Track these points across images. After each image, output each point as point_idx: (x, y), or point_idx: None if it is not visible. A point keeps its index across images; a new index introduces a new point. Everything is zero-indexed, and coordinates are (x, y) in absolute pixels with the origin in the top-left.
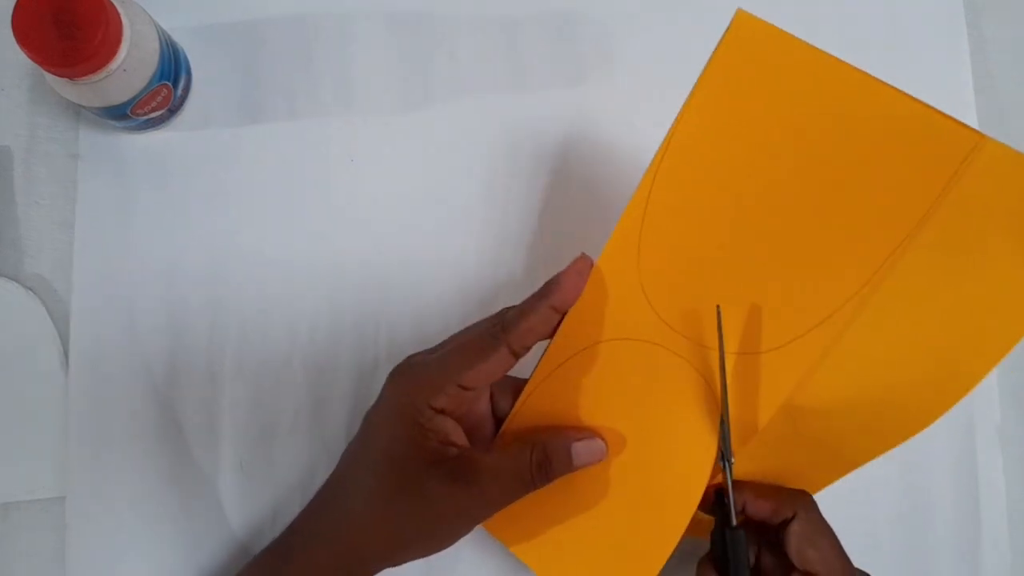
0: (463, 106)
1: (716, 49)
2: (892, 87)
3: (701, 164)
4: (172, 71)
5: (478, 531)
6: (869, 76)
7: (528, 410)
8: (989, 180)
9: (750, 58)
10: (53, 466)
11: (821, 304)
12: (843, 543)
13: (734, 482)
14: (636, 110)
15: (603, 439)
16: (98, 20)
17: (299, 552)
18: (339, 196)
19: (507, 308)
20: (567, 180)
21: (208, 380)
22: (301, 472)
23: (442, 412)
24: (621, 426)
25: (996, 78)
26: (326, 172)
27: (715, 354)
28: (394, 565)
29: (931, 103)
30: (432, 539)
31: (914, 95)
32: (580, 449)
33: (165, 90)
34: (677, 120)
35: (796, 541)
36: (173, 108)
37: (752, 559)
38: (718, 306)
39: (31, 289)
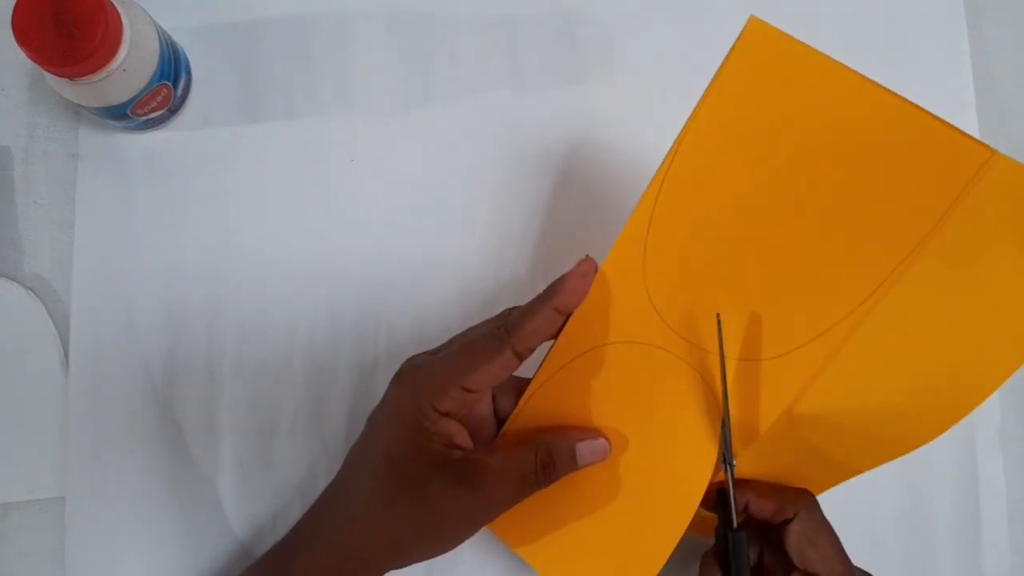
0: (463, 106)
1: (728, 55)
2: (904, 99)
3: (710, 170)
4: (172, 71)
5: (479, 531)
6: (881, 87)
7: (530, 411)
8: (998, 195)
9: (762, 66)
10: (53, 466)
11: (826, 313)
12: (844, 542)
13: (738, 480)
14: (636, 110)
15: (607, 439)
16: (98, 20)
17: (302, 554)
18: (339, 196)
19: (510, 309)
20: (567, 180)
21: (208, 380)
22: (301, 471)
23: (446, 415)
24: (624, 427)
25: (996, 78)
26: (326, 172)
27: (718, 358)
28: (398, 567)
29: (931, 103)
30: (436, 542)
31: (916, 97)
32: (584, 449)
33: (165, 90)
34: (687, 125)
35: (797, 540)
36: (173, 108)
37: (754, 558)
38: (718, 314)
39: (30, 289)
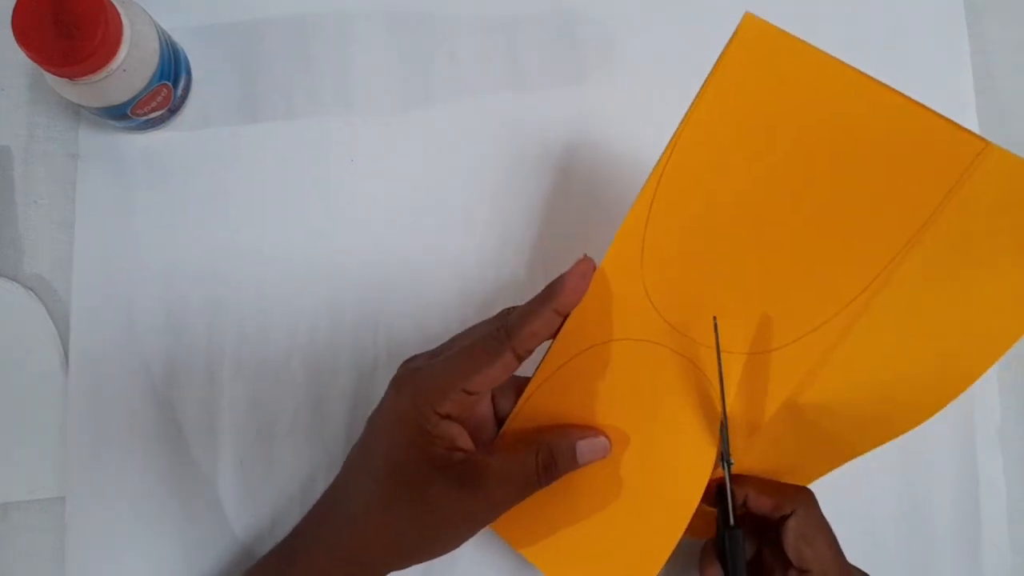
0: (463, 106)
1: (723, 52)
2: (898, 92)
3: (706, 166)
4: (172, 71)
5: (480, 532)
6: (875, 81)
7: (530, 410)
8: (993, 186)
9: (757, 61)
10: (53, 466)
11: (824, 305)
12: (843, 542)
13: (737, 476)
14: (636, 110)
15: (607, 437)
16: (98, 20)
17: (302, 557)
18: (339, 196)
19: (508, 309)
20: (567, 180)
21: (207, 380)
22: (300, 472)
23: (447, 417)
24: (624, 425)
25: (996, 78)
26: (326, 172)
27: (715, 353)
28: (398, 569)
29: (931, 103)
30: (437, 543)
31: (916, 96)
32: (585, 447)
33: (165, 90)
34: (683, 122)
35: (793, 538)
36: (173, 108)
37: (752, 552)
38: (715, 317)
39: (31, 289)
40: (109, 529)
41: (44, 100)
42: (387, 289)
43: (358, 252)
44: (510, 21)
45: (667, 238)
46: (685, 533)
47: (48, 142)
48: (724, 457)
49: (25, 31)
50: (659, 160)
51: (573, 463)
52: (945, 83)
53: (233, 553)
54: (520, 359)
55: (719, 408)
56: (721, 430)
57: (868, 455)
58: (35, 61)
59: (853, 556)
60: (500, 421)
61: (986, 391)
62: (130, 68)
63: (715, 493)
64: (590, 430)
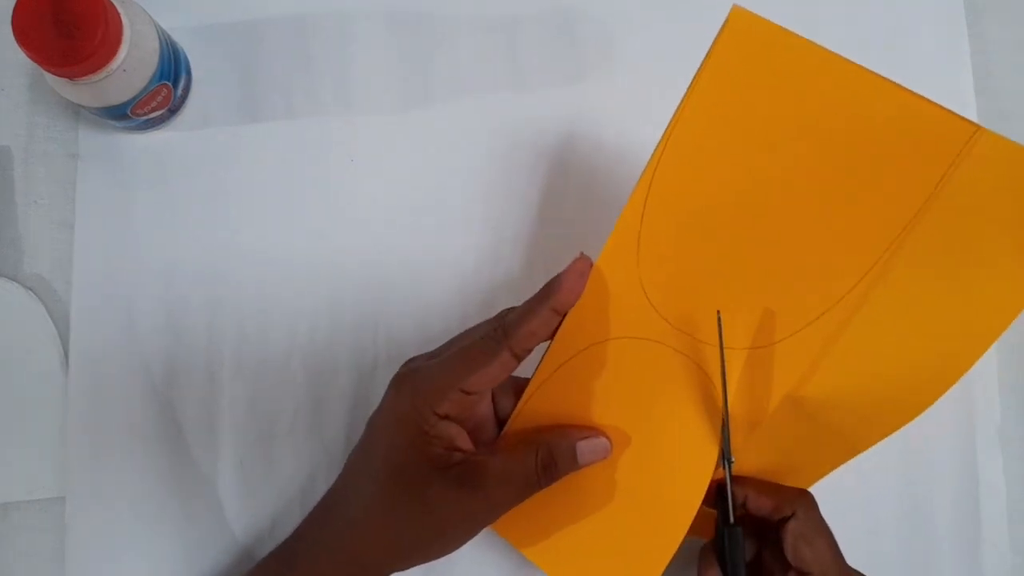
0: (463, 106)
1: (712, 45)
2: (888, 80)
3: (699, 161)
4: (172, 71)
5: (480, 533)
6: (865, 69)
7: (530, 410)
8: (986, 170)
9: (746, 54)
10: (52, 466)
11: (822, 298)
12: (843, 542)
13: (737, 477)
14: (636, 109)
15: (607, 437)
16: (98, 20)
17: (303, 559)
18: (339, 196)
19: (507, 310)
20: (567, 179)
21: (207, 380)
22: (300, 472)
23: (446, 418)
24: (624, 424)
25: (996, 78)
26: (326, 172)
27: (716, 350)
28: (399, 571)
29: (922, 94)
30: (438, 545)
31: (908, 88)
32: (585, 447)
33: (165, 90)
34: (675, 117)
35: (792, 539)
36: (173, 108)
37: (752, 554)
38: (719, 312)
39: (31, 289)
40: (109, 529)
41: (44, 100)
42: (387, 289)
43: (358, 252)
44: (510, 21)
45: (662, 234)
46: (689, 531)
47: (48, 142)
48: (725, 455)
49: (25, 31)
50: (652, 156)
51: (573, 464)
52: (945, 83)
53: (233, 553)
54: (518, 359)
55: (719, 405)
56: (722, 427)
57: (868, 455)
58: (35, 61)
59: (853, 556)
60: (501, 421)
61: (986, 391)
62: (130, 68)
63: (715, 493)
64: (590, 430)
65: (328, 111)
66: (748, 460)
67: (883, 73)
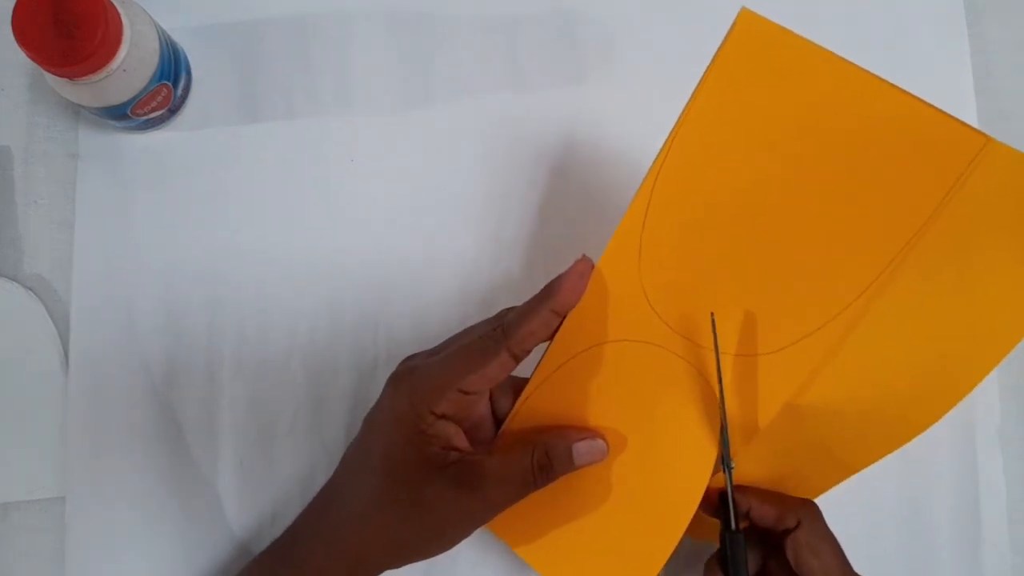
0: (463, 107)
1: (720, 48)
2: (898, 88)
3: (704, 165)
4: (172, 71)
5: (479, 531)
6: (875, 76)
7: (528, 410)
8: (994, 183)
9: (754, 58)
10: (53, 466)
11: (824, 306)
12: (843, 542)
13: (740, 487)
14: (636, 110)
15: (604, 439)
16: (98, 20)
17: (298, 554)
18: (339, 196)
19: (507, 309)
20: (567, 180)
21: (207, 380)
22: (300, 472)
23: (443, 417)
24: (622, 427)
25: (996, 78)
26: (326, 172)
27: (715, 356)
28: (394, 568)
29: (932, 103)
30: (434, 543)
31: (918, 96)
32: (581, 449)
33: (165, 90)
34: (680, 120)
35: (798, 550)
36: (173, 108)
37: (759, 565)
38: (712, 314)
39: (31, 289)
40: (109, 529)
41: (44, 100)
42: (387, 289)
43: (358, 252)
44: (510, 21)
45: (664, 238)
46: (687, 533)
47: (48, 142)
48: (725, 461)
49: (25, 31)
50: (656, 159)
51: (569, 465)
52: (945, 83)
53: (232, 553)
54: (517, 359)
55: (718, 410)
56: (721, 433)
57: None
58: (35, 61)
59: (853, 556)
60: (499, 421)
61: (986, 392)
62: (130, 68)
63: (717, 503)
64: (588, 432)
65: (328, 111)
66: (750, 468)
67: (883, 73)
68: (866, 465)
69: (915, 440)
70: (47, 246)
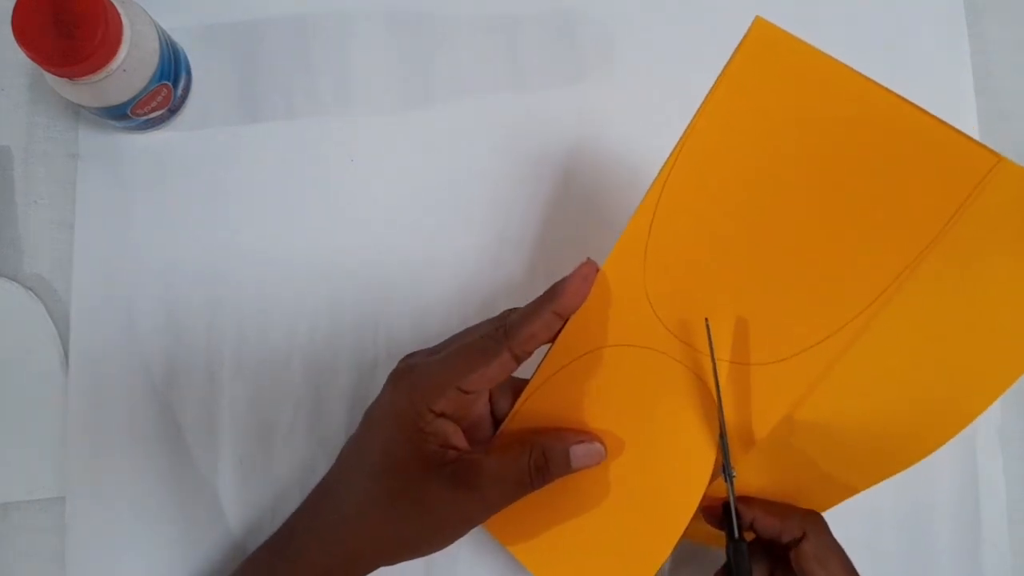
0: (463, 106)
1: (732, 56)
2: (911, 103)
3: (713, 172)
4: (172, 71)
5: (478, 530)
6: (888, 91)
7: (527, 411)
8: (1005, 202)
9: (766, 67)
10: (53, 466)
11: (828, 319)
12: (843, 543)
13: (745, 497)
14: (636, 110)
15: (602, 442)
16: (98, 20)
17: (295, 549)
18: (339, 196)
19: (509, 310)
20: (567, 180)
21: (207, 380)
22: (300, 471)
23: (442, 415)
24: (621, 430)
25: (996, 78)
26: (326, 172)
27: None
28: (390, 564)
29: (931, 103)
30: (429, 541)
31: (916, 97)
32: (579, 452)
33: (165, 90)
34: (689, 128)
35: (804, 562)
36: (173, 108)
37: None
38: (707, 319)
39: (31, 289)
40: (109, 529)
41: (44, 100)
42: (387, 289)
43: (358, 252)
44: (510, 21)
45: (670, 244)
46: (687, 535)
47: (48, 142)
48: (726, 470)
49: (25, 31)
50: (664, 166)
51: (566, 467)
52: (945, 83)
53: (232, 553)
54: (518, 360)
55: (717, 418)
56: (721, 440)
57: None
58: (35, 61)
59: (853, 556)
60: (498, 421)
61: None
62: (130, 68)
63: (721, 513)
64: (586, 435)
65: (328, 111)
66: (752, 479)
67: (883, 73)
68: (866, 486)
69: None
70: (47, 246)
